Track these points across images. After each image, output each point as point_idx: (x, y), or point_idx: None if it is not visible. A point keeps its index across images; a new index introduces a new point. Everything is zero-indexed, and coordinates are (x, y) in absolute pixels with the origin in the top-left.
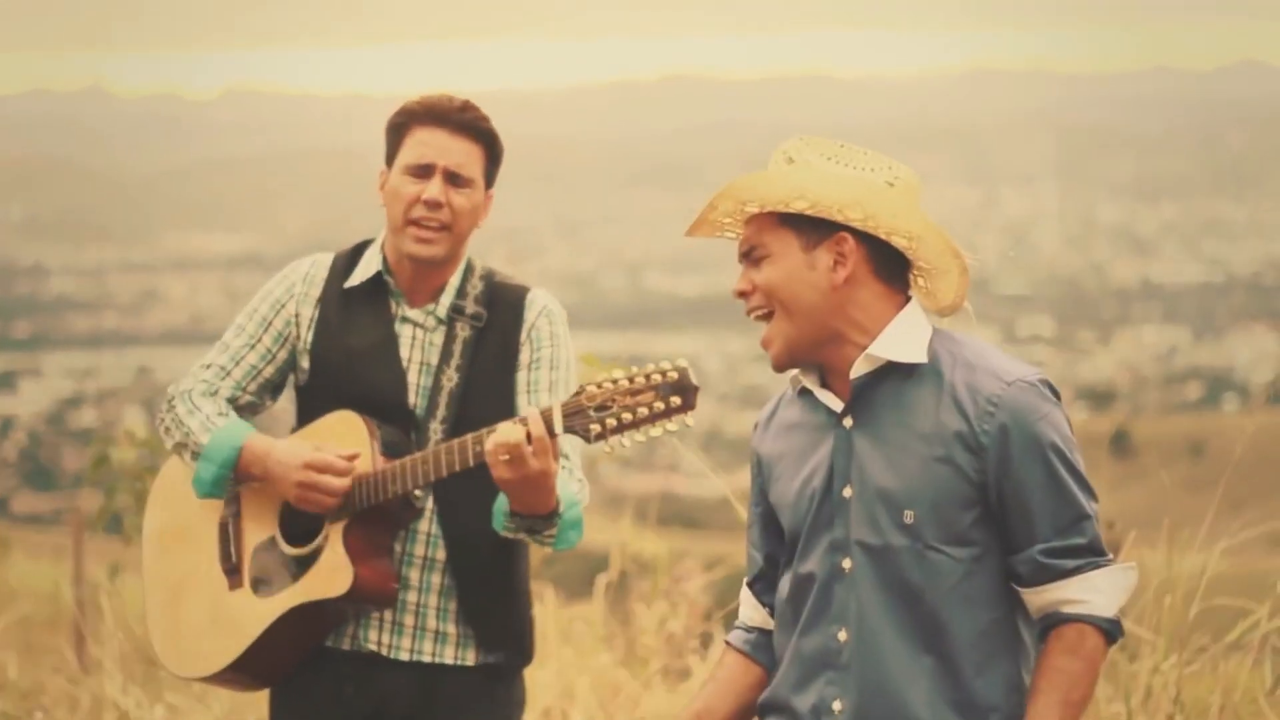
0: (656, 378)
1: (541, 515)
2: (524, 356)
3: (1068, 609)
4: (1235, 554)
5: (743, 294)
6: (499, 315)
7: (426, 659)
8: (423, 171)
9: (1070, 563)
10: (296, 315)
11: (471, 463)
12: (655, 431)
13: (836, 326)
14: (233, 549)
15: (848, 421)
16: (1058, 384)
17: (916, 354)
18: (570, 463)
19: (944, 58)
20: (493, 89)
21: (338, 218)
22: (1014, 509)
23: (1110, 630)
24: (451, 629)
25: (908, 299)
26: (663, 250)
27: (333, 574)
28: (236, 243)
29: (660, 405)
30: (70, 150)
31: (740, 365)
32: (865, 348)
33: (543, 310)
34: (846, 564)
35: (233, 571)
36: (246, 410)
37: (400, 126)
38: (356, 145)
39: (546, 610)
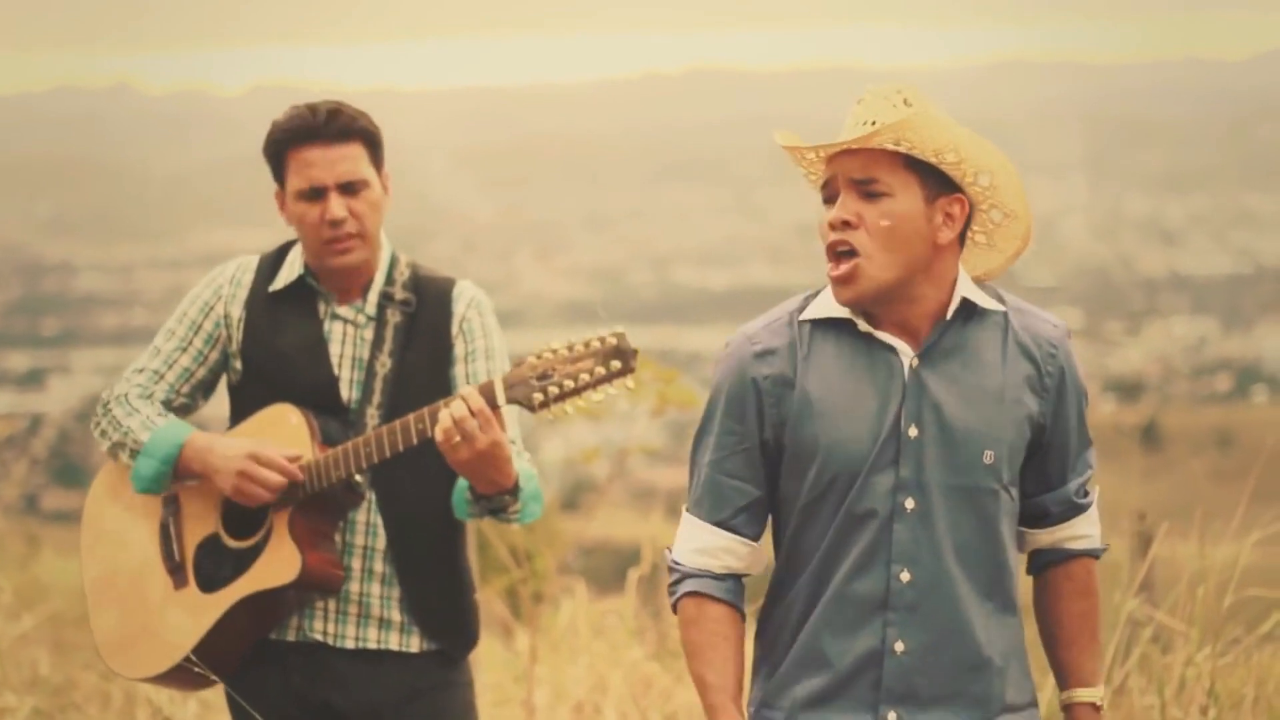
0: (595, 344)
1: (506, 490)
2: (459, 349)
3: (1078, 544)
4: (1268, 545)
5: (847, 224)
6: (427, 305)
7: (372, 646)
8: (315, 194)
9: (1086, 499)
10: (226, 316)
11: (415, 440)
12: (597, 396)
13: (919, 281)
14: (175, 548)
15: (914, 362)
16: (1086, 375)
17: (990, 302)
18: (517, 447)
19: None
20: (521, 84)
21: None
22: (1056, 448)
23: (1100, 557)
24: (395, 616)
25: None
26: (691, 244)
27: (281, 562)
28: (264, 239)
29: (601, 370)
30: (97, 147)
31: None
32: (933, 295)
33: (471, 301)
34: (910, 504)
35: (176, 570)
36: (180, 412)
37: (277, 153)
38: (385, 140)
39: (578, 604)
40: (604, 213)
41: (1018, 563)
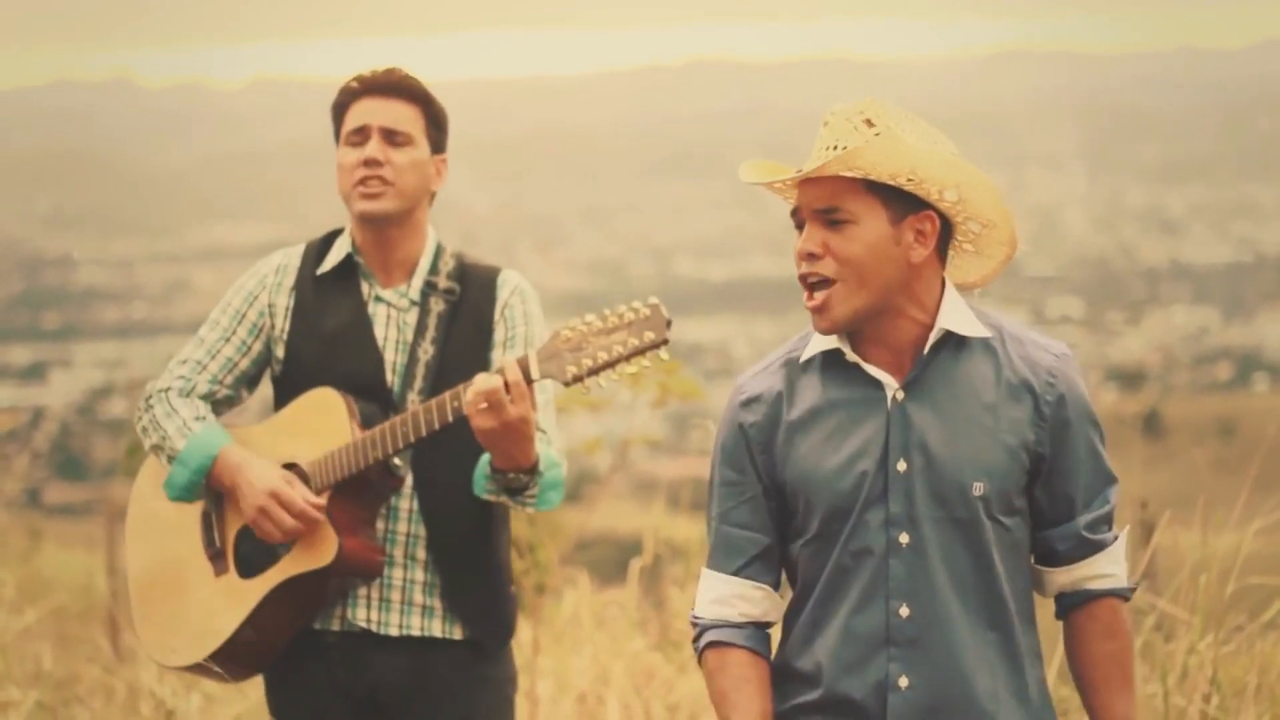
0: (629, 315)
1: (524, 469)
2: (499, 334)
3: (1099, 584)
4: (1269, 533)
5: (812, 255)
6: (472, 292)
7: (416, 633)
8: (360, 136)
9: (1103, 535)
10: (270, 305)
11: (450, 418)
12: (631, 368)
13: (899, 301)
14: (216, 536)
15: (899, 395)
16: (1088, 365)
17: (976, 327)
18: (547, 436)
19: (969, 40)
20: (520, 76)
21: None
22: (1060, 480)
23: (1130, 596)
24: (437, 603)
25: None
26: (690, 236)
27: (318, 546)
28: (265, 233)
29: (635, 341)
30: (97, 142)
31: (769, 349)
32: (920, 322)
33: (515, 289)
34: (904, 539)
35: (218, 557)
36: (224, 404)
37: (341, 107)
38: None
39: (580, 595)
40: (603, 205)
41: (1026, 594)
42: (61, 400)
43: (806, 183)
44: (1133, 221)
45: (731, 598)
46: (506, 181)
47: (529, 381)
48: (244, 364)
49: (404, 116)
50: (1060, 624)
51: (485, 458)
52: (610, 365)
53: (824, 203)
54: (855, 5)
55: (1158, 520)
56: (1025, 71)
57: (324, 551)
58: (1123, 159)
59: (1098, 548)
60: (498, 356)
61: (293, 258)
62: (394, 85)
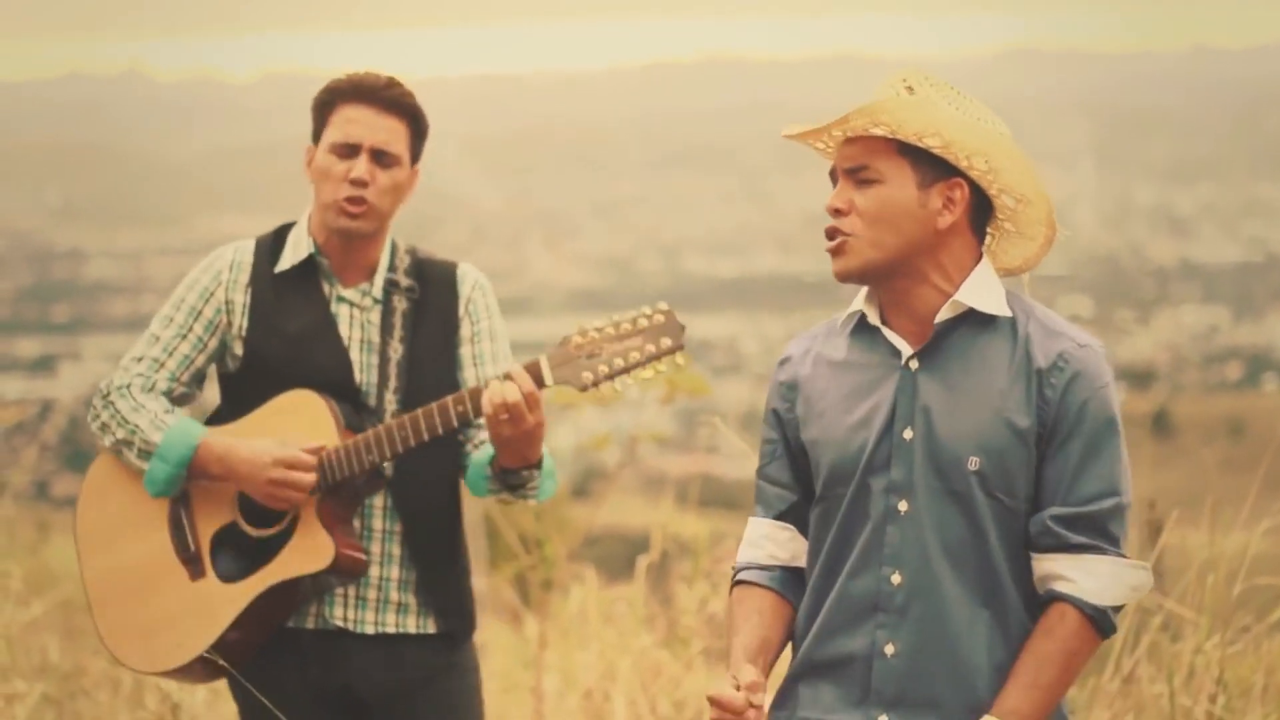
0: (643, 321)
1: (533, 464)
2: (465, 330)
3: (1056, 585)
4: (1278, 533)
5: (838, 211)
6: (433, 289)
7: (391, 630)
8: (349, 150)
9: (1076, 538)
10: (228, 302)
11: (455, 423)
12: (646, 374)
13: (922, 266)
14: (189, 539)
15: (914, 364)
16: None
17: (999, 306)
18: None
19: (979, 38)
20: (530, 71)
21: None
22: (1052, 466)
23: (1097, 619)
24: (411, 599)
25: (981, 253)
26: (700, 232)
27: (313, 549)
28: (273, 225)
29: (651, 347)
30: (107, 135)
31: (778, 346)
32: (944, 292)
33: (475, 284)
34: (903, 506)
35: (192, 561)
36: (180, 401)
37: (326, 104)
38: None
39: (587, 591)
40: (613, 200)
41: (1022, 570)
42: (70, 393)
43: (845, 143)
44: (1142, 220)
45: (760, 539)
46: (515, 176)
47: (541, 387)
48: (200, 361)
49: (395, 135)
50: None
51: (481, 459)
52: (627, 370)
53: (854, 161)
54: (865, 3)
55: (1166, 519)
56: (1035, 70)
57: (319, 555)
58: (1132, 158)
59: (1060, 545)
60: (467, 352)
61: (245, 253)
62: (390, 100)
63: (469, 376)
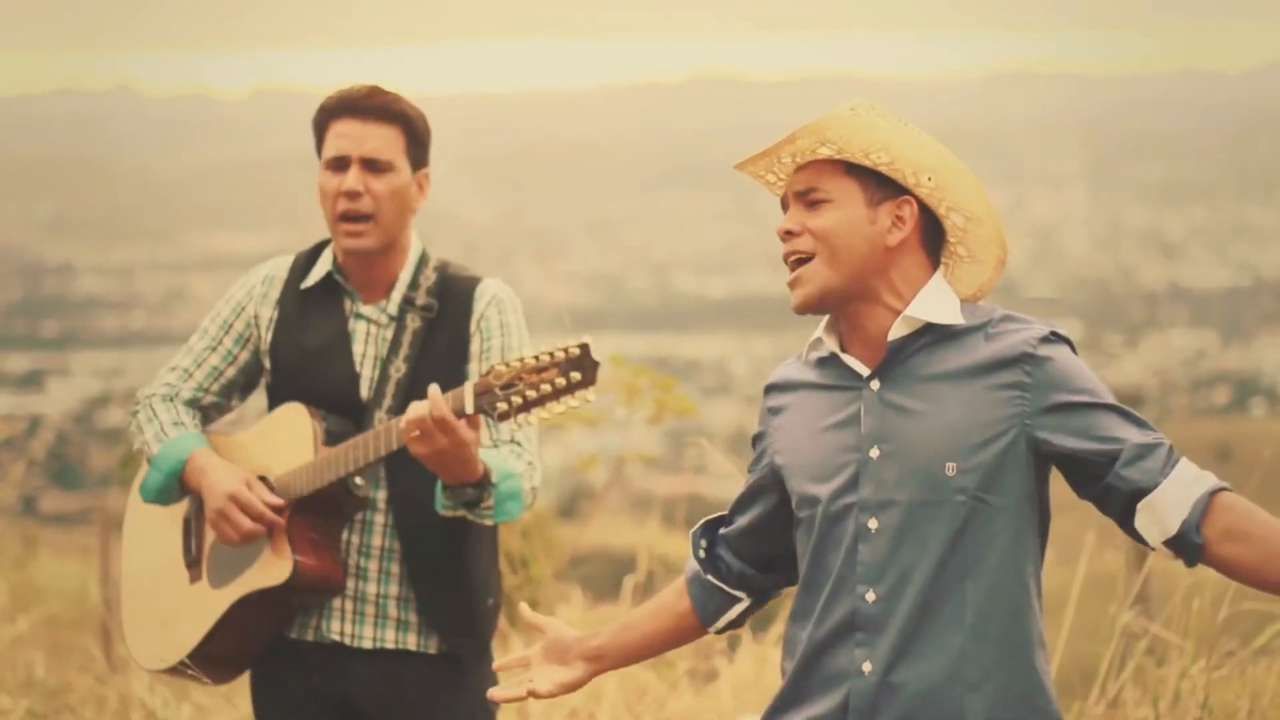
0: (559, 354)
1: (470, 483)
2: (474, 347)
3: (1206, 484)
4: None
5: (790, 234)
6: (449, 307)
7: (390, 646)
8: (340, 164)
9: (1168, 444)
10: (256, 317)
11: (395, 445)
12: (559, 408)
13: (875, 285)
14: (193, 543)
15: (875, 384)
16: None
17: (952, 316)
18: (522, 448)
19: (971, 60)
20: (521, 89)
21: None
22: (1085, 432)
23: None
24: (413, 618)
25: (934, 271)
26: (690, 251)
27: (274, 564)
28: (265, 242)
29: (562, 381)
30: (98, 150)
31: (767, 367)
32: (897, 311)
33: (492, 300)
34: (873, 524)
35: (194, 565)
36: (212, 410)
37: (320, 124)
38: None
39: (574, 611)
40: (603, 219)
41: (1023, 582)
42: (58, 409)
43: (795, 171)
44: (1132, 243)
45: (696, 540)
46: (506, 193)
47: (462, 415)
48: (230, 372)
49: (384, 142)
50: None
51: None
52: (538, 403)
53: (804, 184)
54: (858, 23)
55: None
56: (1027, 91)
57: (279, 569)
58: (1123, 180)
59: (1171, 454)
60: (473, 370)
61: (280, 269)
62: (374, 109)
63: None
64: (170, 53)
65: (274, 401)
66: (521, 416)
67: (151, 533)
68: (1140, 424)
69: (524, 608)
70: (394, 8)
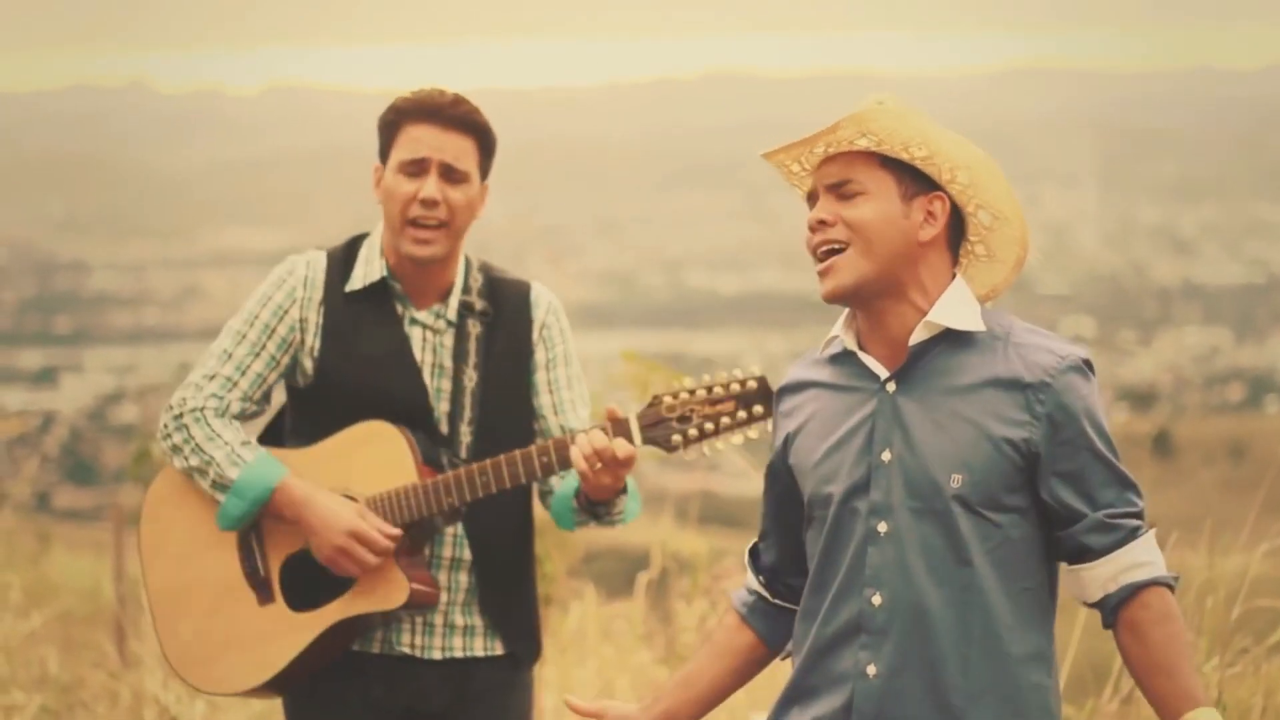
0: (736, 387)
1: (620, 492)
2: (540, 356)
3: (1142, 574)
4: (1277, 556)
5: (823, 223)
6: (505, 312)
7: (459, 655)
8: (417, 168)
9: (1133, 523)
10: (302, 320)
11: (540, 474)
12: (735, 439)
13: (904, 281)
14: (259, 564)
15: (891, 386)
16: (1100, 384)
17: (974, 322)
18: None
19: (983, 57)
20: (533, 87)
21: (378, 214)
22: (1068, 480)
23: (1175, 587)
24: (477, 621)
25: (956, 273)
26: (702, 249)
27: (387, 587)
28: (278, 239)
29: (744, 414)
30: (112, 146)
31: (780, 364)
32: (921, 309)
33: (549, 306)
34: (882, 527)
35: (262, 586)
36: (248, 418)
37: (392, 124)
38: None
39: (587, 608)
40: (615, 217)
41: (1028, 597)
42: (72, 405)
43: (825, 162)
44: (1145, 240)
45: (749, 570)
46: (519, 191)
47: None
48: (272, 379)
49: (465, 152)
50: (1099, 636)
51: (566, 491)
52: (717, 435)
53: (837, 176)
54: (870, 20)
55: (1165, 541)
56: (1040, 88)
57: (394, 593)
58: (1136, 177)
59: (1130, 534)
60: (541, 379)
61: (317, 270)
62: (459, 119)
63: (544, 403)
64: (183, 50)
65: (314, 408)
66: (694, 448)
67: (186, 545)
68: (1123, 485)
69: (571, 699)
70: (405, 5)
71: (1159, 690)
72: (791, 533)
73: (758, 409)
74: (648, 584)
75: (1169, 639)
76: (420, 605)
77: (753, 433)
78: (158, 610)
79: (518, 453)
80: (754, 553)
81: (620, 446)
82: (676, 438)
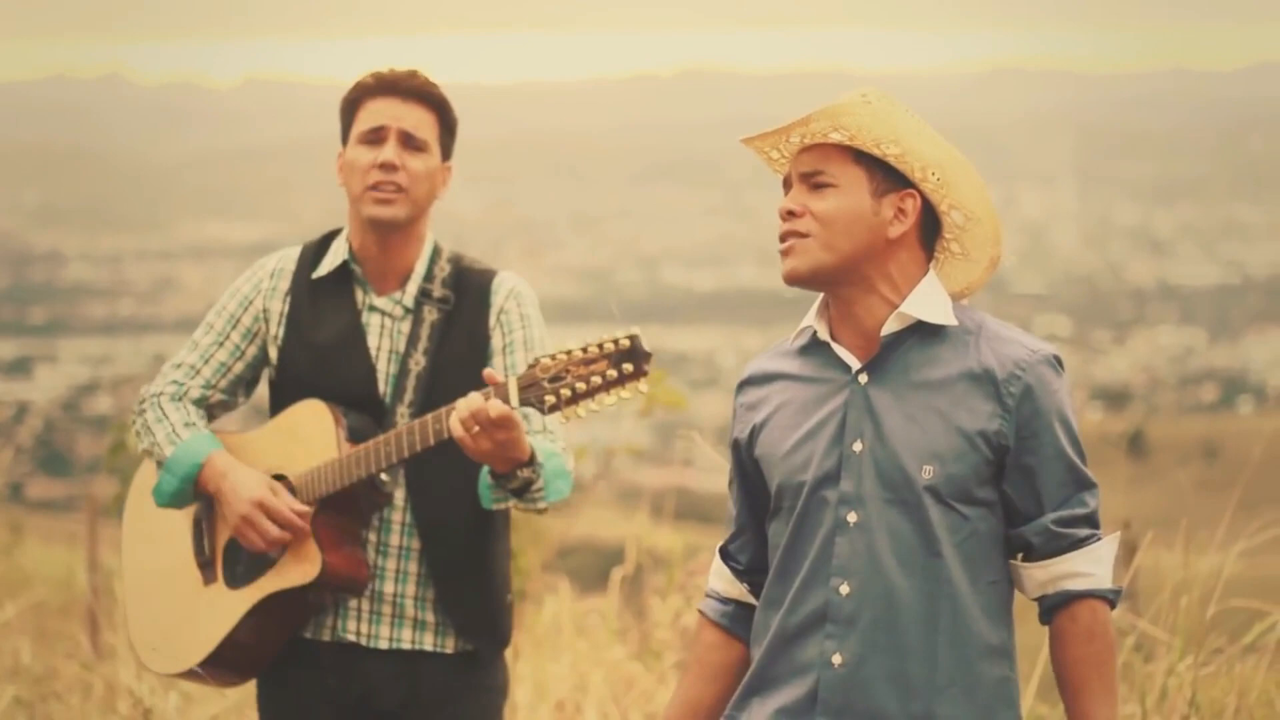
0: (609, 346)
1: (523, 463)
2: (496, 341)
3: (1077, 584)
4: (1252, 556)
5: (791, 214)
6: (466, 300)
7: (406, 646)
8: (376, 135)
9: (1080, 532)
10: (265, 310)
11: (432, 441)
12: (609, 400)
13: (870, 275)
14: (206, 544)
15: (863, 377)
16: (1073, 384)
17: (946, 316)
18: (554, 434)
19: (963, 56)
20: (511, 81)
21: None
22: (1026, 475)
23: (1114, 601)
24: (430, 617)
25: (929, 268)
26: (679, 245)
27: (302, 562)
28: (254, 231)
29: (613, 373)
30: (88, 137)
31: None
32: (891, 303)
33: (510, 292)
34: (852, 518)
35: (207, 566)
36: (219, 408)
37: (353, 102)
38: None
39: (561, 603)
40: (592, 212)
41: (995, 590)
42: (46, 396)
43: (802, 151)
44: (1122, 240)
45: (719, 570)
46: (496, 185)
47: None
48: (238, 368)
49: (423, 122)
50: (1045, 631)
51: (485, 470)
52: (588, 395)
53: (810, 166)
54: (850, 17)
55: (1140, 540)
56: (1020, 88)
57: (308, 567)
58: (1113, 178)
59: (1073, 544)
60: (498, 364)
61: (288, 261)
62: (416, 90)
63: None
64: (161, 41)
65: (280, 396)
66: (569, 409)
67: (156, 532)
68: (1079, 485)
69: None
70: None
71: (1065, 704)
72: (757, 528)
73: (627, 367)
74: (622, 579)
75: (1084, 658)
76: (342, 583)
77: (625, 393)
78: (128, 596)
79: (415, 421)
80: (726, 554)
81: (493, 406)
82: (549, 398)
